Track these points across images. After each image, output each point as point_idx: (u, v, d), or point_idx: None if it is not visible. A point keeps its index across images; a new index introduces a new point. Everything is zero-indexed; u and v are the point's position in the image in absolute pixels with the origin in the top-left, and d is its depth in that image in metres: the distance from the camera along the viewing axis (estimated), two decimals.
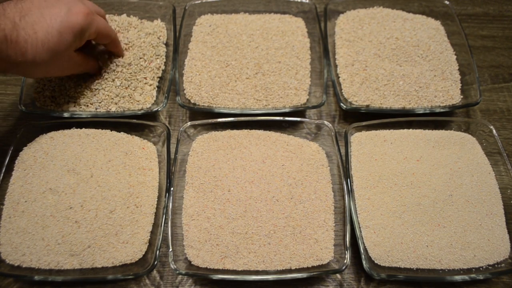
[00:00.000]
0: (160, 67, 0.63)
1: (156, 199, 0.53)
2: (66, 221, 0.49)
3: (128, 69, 0.60)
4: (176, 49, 0.63)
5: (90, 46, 0.60)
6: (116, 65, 0.60)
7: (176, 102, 0.61)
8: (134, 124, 0.58)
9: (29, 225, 0.49)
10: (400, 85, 0.62)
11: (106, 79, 0.59)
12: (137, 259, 0.49)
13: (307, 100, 0.62)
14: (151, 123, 0.58)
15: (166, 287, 0.51)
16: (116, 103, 0.59)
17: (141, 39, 0.63)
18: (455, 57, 0.66)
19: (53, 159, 0.54)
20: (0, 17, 0.43)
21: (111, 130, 0.58)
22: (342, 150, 0.56)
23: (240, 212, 0.51)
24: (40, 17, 0.46)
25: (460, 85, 0.63)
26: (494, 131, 0.57)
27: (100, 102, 0.59)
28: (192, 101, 0.61)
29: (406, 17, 0.70)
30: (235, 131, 0.58)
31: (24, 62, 0.45)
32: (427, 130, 0.59)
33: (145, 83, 0.61)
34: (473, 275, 0.48)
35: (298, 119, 0.59)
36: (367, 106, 0.61)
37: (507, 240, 0.51)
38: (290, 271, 0.49)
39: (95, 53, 0.60)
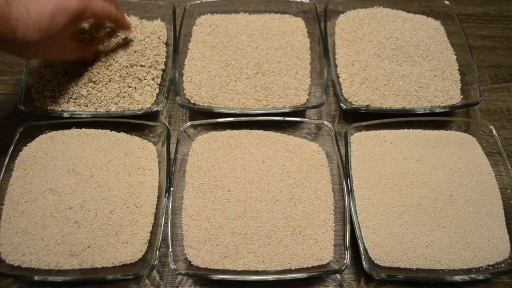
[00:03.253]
0: (160, 67, 0.63)
1: (156, 199, 0.53)
2: (66, 221, 0.49)
3: (128, 69, 0.60)
4: (176, 49, 0.63)
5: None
6: (117, 64, 0.60)
7: (176, 102, 0.61)
8: (134, 124, 0.58)
9: (29, 225, 0.49)
10: (400, 85, 0.62)
11: (106, 79, 0.59)
12: (137, 259, 0.49)
13: (307, 100, 0.62)
14: (151, 123, 0.58)
15: (166, 287, 0.51)
16: (116, 103, 0.59)
17: (141, 39, 0.63)
18: (455, 57, 0.66)
19: (53, 159, 0.54)
20: None
21: (111, 130, 0.58)
22: (342, 150, 0.56)
23: (240, 212, 0.51)
24: None
25: (460, 85, 0.63)
26: (494, 131, 0.57)
27: (100, 102, 0.59)
28: (192, 101, 0.61)
29: (406, 17, 0.70)
30: (235, 131, 0.58)
31: (13, 39, 0.45)
32: (427, 130, 0.59)
33: (145, 83, 0.61)
34: (473, 275, 0.48)
35: (298, 119, 0.59)
36: (367, 106, 0.61)
37: (507, 240, 0.51)
38: (290, 271, 0.49)
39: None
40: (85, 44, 0.58)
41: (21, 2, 0.45)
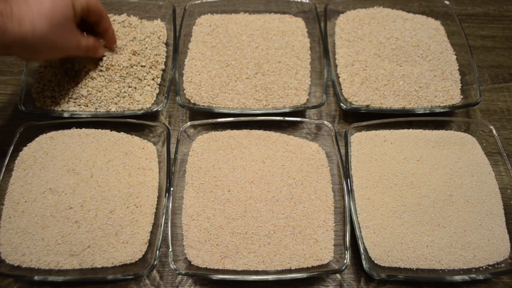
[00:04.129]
0: (160, 67, 0.63)
1: (156, 199, 0.53)
2: (66, 221, 0.49)
3: (128, 69, 0.60)
4: (176, 49, 0.63)
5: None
6: (117, 65, 0.60)
7: (176, 102, 0.61)
8: (134, 124, 0.58)
9: (29, 225, 0.49)
10: (400, 85, 0.62)
11: (106, 79, 0.59)
12: (137, 259, 0.49)
13: (307, 100, 0.62)
14: (151, 123, 0.58)
15: (166, 287, 0.51)
16: (116, 103, 0.59)
17: (141, 39, 0.63)
18: (455, 57, 0.66)
19: (53, 159, 0.54)
20: None
21: (111, 130, 0.58)
22: (342, 150, 0.56)
23: (240, 212, 0.51)
24: None
25: (460, 85, 0.63)
26: (494, 131, 0.57)
27: (100, 102, 0.59)
28: (192, 101, 0.61)
29: (406, 17, 0.70)
30: (235, 131, 0.58)
31: (25, 36, 0.46)
32: (427, 130, 0.59)
33: (145, 83, 0.61)
34: (473, 275, 0.48)
35: (298, 119, 0.59)
36: (367, 106, 0.61)
37: (507, 240, 0.51)
38: (290, 271, 0.49)
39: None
40: (96, 39, 0.58)
41: None
